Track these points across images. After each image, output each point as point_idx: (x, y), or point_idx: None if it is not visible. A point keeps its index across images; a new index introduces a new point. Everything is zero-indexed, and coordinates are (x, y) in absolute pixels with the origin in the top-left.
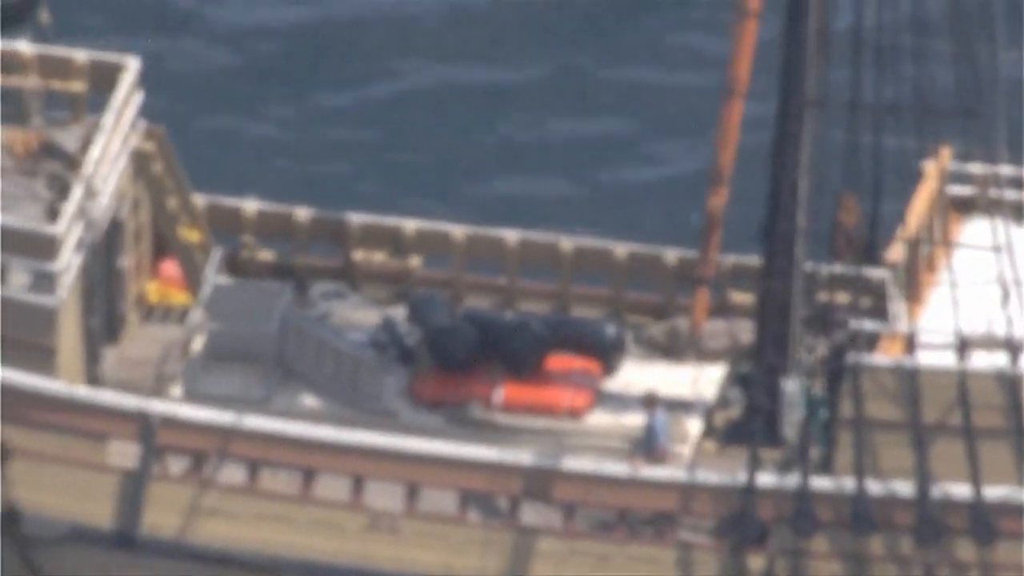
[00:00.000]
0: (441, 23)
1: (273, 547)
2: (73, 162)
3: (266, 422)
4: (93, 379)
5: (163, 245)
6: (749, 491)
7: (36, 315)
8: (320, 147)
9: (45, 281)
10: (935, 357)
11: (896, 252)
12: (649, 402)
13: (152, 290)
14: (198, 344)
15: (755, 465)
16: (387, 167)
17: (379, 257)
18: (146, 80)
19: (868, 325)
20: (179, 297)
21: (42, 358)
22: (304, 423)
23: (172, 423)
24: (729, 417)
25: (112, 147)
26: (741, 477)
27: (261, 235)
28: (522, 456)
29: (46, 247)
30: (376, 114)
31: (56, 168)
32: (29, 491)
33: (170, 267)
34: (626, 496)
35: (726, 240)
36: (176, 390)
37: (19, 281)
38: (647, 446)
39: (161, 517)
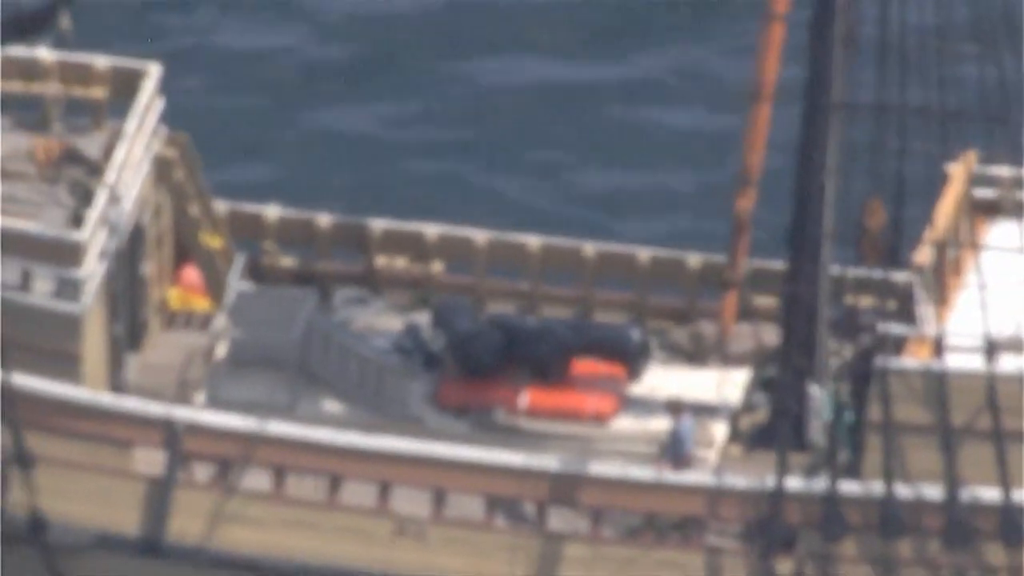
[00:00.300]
0: (537, 17)
1: (299, 554)
2: (95, 169)
3: (292, 428)
4: (116, 386)
5: (184, 251)
6: (777, 495)
7: (61, 322)
8: (412, 144)
9: (70, 288)
10: (963, 360)
11: (923, 255)
12: (675, 408)
13: (173, 296)
14: (222, 350)
15: (783, 469)
16: (482, 163)
17: (401, 262)
18: (237, 77)
19: (896, 328)
20: (200, 303)
21: (67, 366)
22: (330, 429)
23: (197, 430)
24: (755, 421)
25: (135, 153)
26: (769, 481)
27: (282, 241)
28: (549, 461)
29: (71, 254)
30: (474, 109)
31: (78, 175)
32: (54, 499)
33: (191, 273)
34: (653, 501)
35: (757, 243)
36: (200, 397)
37: (43, 288)
38: (673, 452)
39: (187, 524)
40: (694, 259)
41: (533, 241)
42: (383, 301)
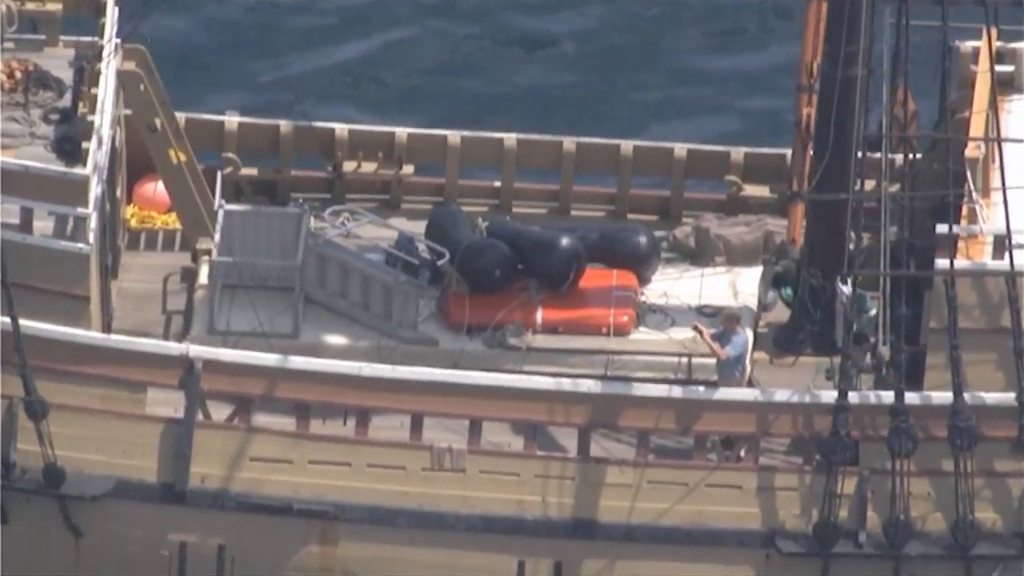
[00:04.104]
0: None
1: (331, 493)
2: (63, 90)
3: (318, 362)
4: (108, 321)
5: (136, 166)
6: (841, 409)
7: (69, 262)
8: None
9: (76, 226)
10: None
11: (973, 148)
12: (730, 320)
13: (131, 214)
14: (205, 275)
15: (846, 380)
16: None
17: (370, 167)
18: None
19: (956, 229)
20: (159, 219)
21: (74, 307)
22: (353, 360)
23: (216, 367)
24: (771, 322)
25: (110, 73)
26: (825, 394)
27: (244, 151)
28: (590, 384)
29: (76, 191)
30: None
31: (47, 98)
32: (69, 448)
33: (145, 188)
34: (701, 420)
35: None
36: (195, 328)
37: (43, 227)
38: (731, 369)
39: (210, 467)
40: (680, 148)
41: (509, 137)
42: (374, 214)
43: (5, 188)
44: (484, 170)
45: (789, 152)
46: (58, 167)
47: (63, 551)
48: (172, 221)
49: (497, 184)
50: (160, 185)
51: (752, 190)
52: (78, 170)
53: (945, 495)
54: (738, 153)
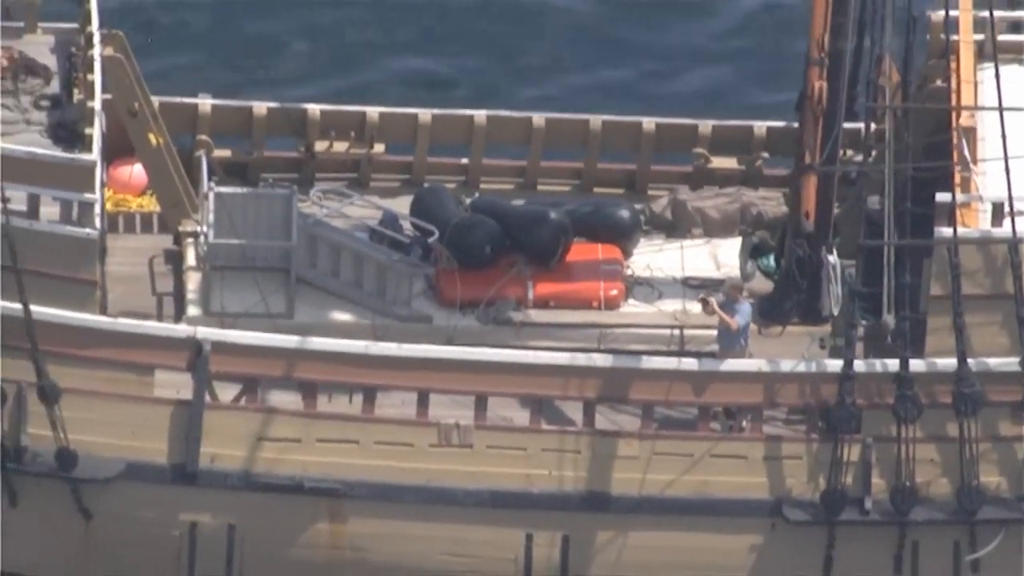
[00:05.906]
0: None
1: (340, 471)
2: (50, 76)
3: (325, 342)
4: (104, 305)
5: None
6: (846, 378)
7: (77, 248)
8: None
9: (84, 212)
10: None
11: (967, 117)
12: (734, 289)
13: (106, 198)
14: (193, 257)
15: (851, 351)
16: None
17: (342, 147)
18: None
19: (957, 196)
20: (134, 202)
21: (82, 292)
22: (360, 339)
23: (224, 349)
24: (754, 292)
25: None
26: (831, 363)
27: (218, 133)
28: (596, 358)
29: (83, 177)
30: None
31: (35, 85)
32: (80, 431)
33: (120, 172)
34: (709, 391)
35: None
36: (191, 309)
37: (49, 213)
38: (736, 339)
39: (219, 448)
40: (649, 122)
41: (479, 114)
42: (362, 192)
43: (12, 175)
44: (455, 147)
45: (756, 124)
46: (63, 153)
47: (73, 533)
48: (147, 204)
49: (464, 161)
50: (135, 168)
51: (719, 162)
52: (85, 156)
53: (950, 461)
54: (706, 126)
